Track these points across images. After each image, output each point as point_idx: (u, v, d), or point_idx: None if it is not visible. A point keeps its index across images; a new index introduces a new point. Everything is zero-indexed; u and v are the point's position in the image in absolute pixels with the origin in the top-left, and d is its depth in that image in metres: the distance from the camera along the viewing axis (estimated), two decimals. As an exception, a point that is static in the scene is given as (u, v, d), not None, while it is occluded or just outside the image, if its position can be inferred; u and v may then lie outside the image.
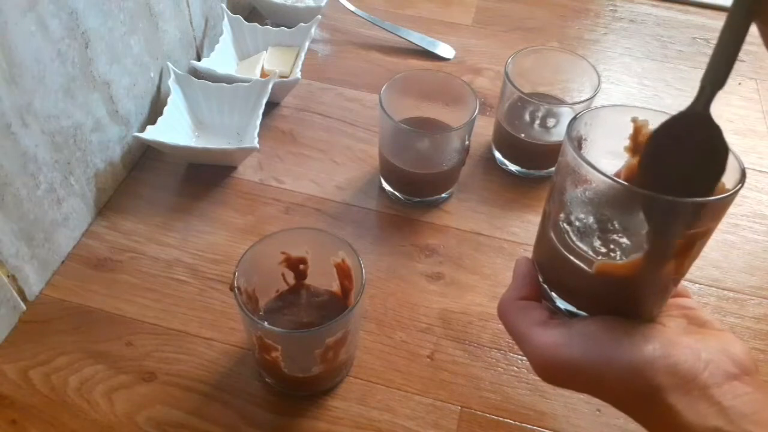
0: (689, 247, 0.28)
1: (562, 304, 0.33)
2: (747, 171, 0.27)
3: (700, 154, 0.26)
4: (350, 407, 0.46)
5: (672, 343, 0.27)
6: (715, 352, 0.27)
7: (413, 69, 0.74)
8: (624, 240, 0.29)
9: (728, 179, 0.27)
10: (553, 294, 0.33)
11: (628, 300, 0.30)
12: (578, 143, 0.31)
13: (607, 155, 0.32)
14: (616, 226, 0.29)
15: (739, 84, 0.76)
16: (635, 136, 0.31)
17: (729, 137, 0.26)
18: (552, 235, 0.31)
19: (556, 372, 0.30)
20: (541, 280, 0.34)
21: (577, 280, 0.31)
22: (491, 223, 0.58)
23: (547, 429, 0.45)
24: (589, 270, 0.29)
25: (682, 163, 0.26)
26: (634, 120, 0.31)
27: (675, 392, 0.26)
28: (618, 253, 0.29)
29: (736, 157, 0.27)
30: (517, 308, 0.32)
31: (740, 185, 0.26)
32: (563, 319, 0.31)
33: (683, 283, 0.33)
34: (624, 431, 0.45)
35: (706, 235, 0.28)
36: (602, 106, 0.31)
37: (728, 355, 0.27)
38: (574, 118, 0.30)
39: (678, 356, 0.27)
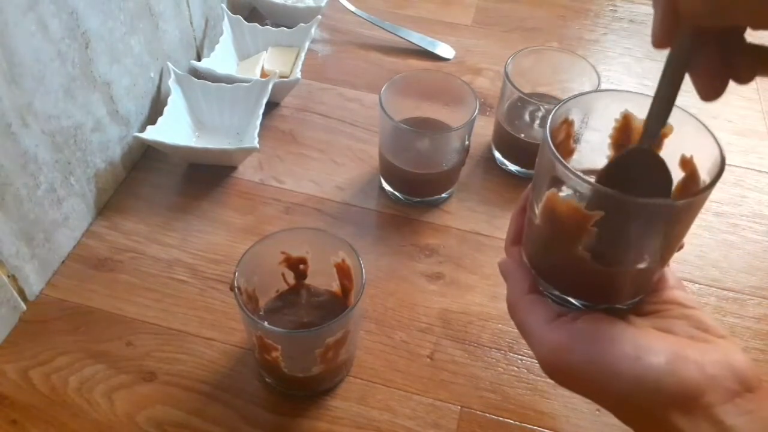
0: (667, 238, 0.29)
1: (555, 291, 0.33)
2: (747, 171, 0.28)
3: (647, 184, 0.29)
4: (350, 407, 0.46)
5: (677, 358, 0.27)
6: (719, 366, 0.27)
7: (413, 69, 0.74)
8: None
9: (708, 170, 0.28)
10: (546, 283, 0.33)
11: (618, 285, 0.31)
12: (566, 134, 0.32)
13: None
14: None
15: (739, 84, 0.76)
16: (623, 128, 0.32)
17: (729, 137, 0.27)
18: (538, 222, 0.31)
19: (560, 374, 0.30)
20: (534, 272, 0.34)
21: (567, 268, 0.31)
22: (491, 223, 0.58)
23: (547, 429, 0.45)
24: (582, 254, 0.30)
25: (631, 190, 0.28)
26: (625, 114, 0.31)
27: (678, 411, 0.26)
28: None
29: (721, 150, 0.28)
30: (526, 303, 0.32)
31: (711, 185, 0.27)
32: (569, 315, 0.31)
33: (684, 283, 0.33)
34: (624, 431, 0.45)
35: (683, 227, 0.29)
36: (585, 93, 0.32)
37: (732, 370, 0.27)
38: (558, 108, 0.30)
39: (683, 373, 0.26)
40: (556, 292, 0.33)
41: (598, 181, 0.29)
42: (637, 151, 0.28)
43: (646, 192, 0.27)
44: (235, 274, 0.41)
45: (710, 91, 0.26)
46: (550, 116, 0.29)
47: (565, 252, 0.30)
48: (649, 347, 0.27)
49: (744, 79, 0.25)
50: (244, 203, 0.59)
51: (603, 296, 0.32)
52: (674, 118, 0.29)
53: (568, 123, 0.32)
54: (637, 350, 0.27)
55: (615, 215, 0.27)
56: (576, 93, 0.31)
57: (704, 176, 0.29)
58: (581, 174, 0.27)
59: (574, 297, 0.32)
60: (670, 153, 0.30)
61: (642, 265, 0.30)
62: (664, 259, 0.30)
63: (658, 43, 0.26)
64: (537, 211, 0.31)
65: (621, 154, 0.30)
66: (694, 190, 0.29)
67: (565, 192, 0.28)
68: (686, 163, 0.30)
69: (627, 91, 0.31)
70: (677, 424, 0.26)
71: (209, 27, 0.72)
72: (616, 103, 0.31)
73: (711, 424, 0.26)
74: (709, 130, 0.28)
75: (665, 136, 0.30)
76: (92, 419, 0.44)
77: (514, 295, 0.33)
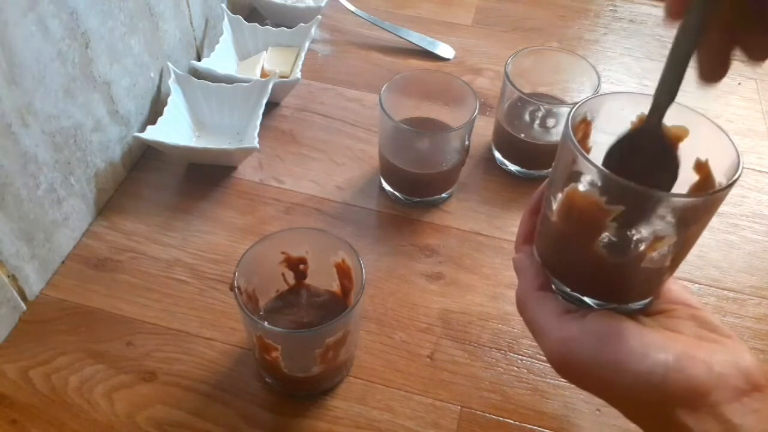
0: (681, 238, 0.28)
1: (566, 288, 0.33)
2: (747, 171, 0.28)
3: (654, 166, 0.29)
4: (350, 407, 0.46)
5: (685, 356, 0.27)
6: (726, 365, 0.27)
7: (413, 69, 0.74)
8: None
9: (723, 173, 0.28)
10: (558, 281, 0.33)
11: (630, 283, 0.31)
12: (584, 132, 0.32)
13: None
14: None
15: (739, 84, 0.76)
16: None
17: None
18: (553, 218, 0.31)
19: (567, 368, 0.30)
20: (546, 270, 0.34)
21: (582, 265, 0.31)
22: (491, 223, 0.58)
23: (547, 429, 0.45)
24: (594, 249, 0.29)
25: (637, 173, 0.27)
26: (641, 117, 0.31)
27: (684, 409, 0.26)
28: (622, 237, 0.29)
29: (737, 150, 0.28)
30: (535, 298, 0.32)
31: (728, 187, 0.27)
32: (578, 311, 0.31)
33: (684, 283, 0.33)
34: (624, 431, 0.45)
35: (698, 227, 0.28)
36: (605, 93, 0.32)
37: (739, 369, 0.27)
38: (577, 107, 0.30)
39: (691, 371, 0.26)
40: (568, 290, 0.33)
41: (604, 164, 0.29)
42: (645, 130, 0.28)
43: (654, 175, 0.26)
44: (235, 274, 0.41)
45: (713, 71, 0.25)
46: (571, 113, 0.29)
47: (581, 248, 0.30)
48: (657, 344, 0.27)
49: (756, 54, 0.25)
50: (244, 203, 0.59)
51: (615, 294, 0.31)
52: (689, 122, 0.29)
53: (586, 123, 0.32)
54: (644, 347, 0.27)
55: (635, 210, 0.27)
56: (589, 95, 0.31)
57: (720, 179, 0.28)
58: (603, 168, 0.27)
59: (586, 295, 0.32)
60: (685, 157, 0.30)
61: (655, 264, 0.30)
62: (676, 259, 0.30)
63: (673, 11, 0.25)
64: (554, 208, 0.31)
65: (627, 133, 0.29)
66: (715, 188, 0.29)
67: (582, 189, 0.28)
68: (701, 167, 0.30)
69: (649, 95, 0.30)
70: (684, 422, 0.26)
71: (209, 27, 0.72)
72: (632, 105, 0.31)
73: (718, 422, 0.26)
74: (724, 132, 0.28)
75: (680, 138, 0.30)
76: (92, 419, 0.44)
77: (524, 291, 0.33)
